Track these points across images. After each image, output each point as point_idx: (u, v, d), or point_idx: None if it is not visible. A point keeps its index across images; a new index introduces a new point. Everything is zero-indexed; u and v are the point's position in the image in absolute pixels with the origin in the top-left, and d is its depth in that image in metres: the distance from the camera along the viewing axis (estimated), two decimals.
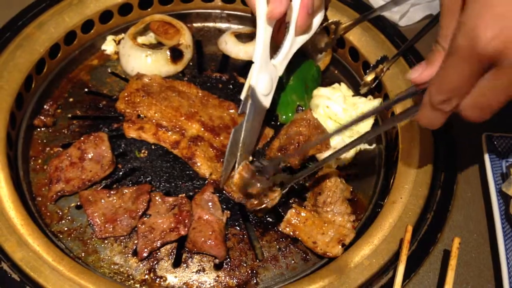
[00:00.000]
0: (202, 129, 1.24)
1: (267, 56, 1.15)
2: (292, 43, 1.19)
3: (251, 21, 1.54)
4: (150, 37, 1.49)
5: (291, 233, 1.10)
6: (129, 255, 1.08)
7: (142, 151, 1.24)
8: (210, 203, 1.14)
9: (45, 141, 1.25)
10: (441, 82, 0.82)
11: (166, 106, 1.26)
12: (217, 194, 1.16)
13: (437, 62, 0.88)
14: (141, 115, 1.26)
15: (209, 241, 1.05)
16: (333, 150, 1.11)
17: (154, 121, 1.25)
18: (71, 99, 1.34)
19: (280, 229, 1.11)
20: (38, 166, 1.21)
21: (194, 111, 1.27)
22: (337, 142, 1.22)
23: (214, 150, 1.21)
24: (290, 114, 1.29)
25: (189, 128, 1.24)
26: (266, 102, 1.17)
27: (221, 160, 1.19)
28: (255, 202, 1.11)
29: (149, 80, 1.32)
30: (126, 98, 1.28)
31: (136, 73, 1.34)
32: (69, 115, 1.31)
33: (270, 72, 1.16)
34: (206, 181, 1.19)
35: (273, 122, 1.32)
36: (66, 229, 1.11)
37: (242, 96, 1.14)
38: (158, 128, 1.24)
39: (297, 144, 1.16)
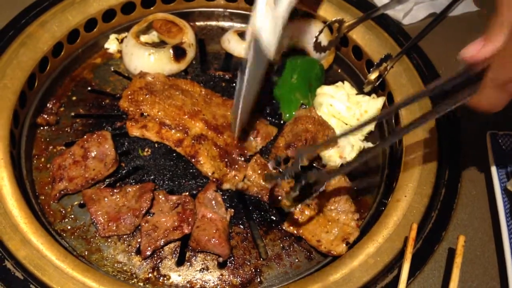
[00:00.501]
0: (206, 127, 1.24)
1: (272, 2, 1.05)
2: None
3: None
4: (153, 36, 1.49)
5: (295, 232, 1.10)
6: (132, 253, 1.08)
7: (146, 150, 1.24)
8: (213, 202, 1.14)
9: (48, 139, 1.25)
10: (507, 58, 0.74)
11: (169, 104, 1.26)
12: (220, 192, 1.16)
13: (498, 37, 0.77)
14: (144, 114, 1.26)
15: (213, 240, 1.05)
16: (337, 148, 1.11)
17: (157, 119, 1.25)
18: (74, 98, 1.34)
19: (284, 228, 1.11)
20: (41, 165, 1.20)
21: (198, 109, 1.26)
22: (344, 143, 1.22)
23: (217, 149, 1.21)
24: (293, 113, 1.28)
25: (193, 126, 1.24)
26: (270, 53, 1.07)
27: (224, 160, 1.19)
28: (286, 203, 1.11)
29: (152, 79, 1.32)
30: (130, 97, 1.28)
31: (139, 71, 1.34)
32: (72, 114, 1.31)
33: (274, 19, 1.06)
34: (209, 180, 1.19)
35: (276, 121, 1.31)
36: (69, 227, 1.11)
37: (247, 39, 1.06)
38: (162, 127, 1.24)
39: (304, 141, 1.16)
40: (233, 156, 1.21)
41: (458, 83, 0.85)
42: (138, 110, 1.27)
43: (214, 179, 1.17)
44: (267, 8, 1.04)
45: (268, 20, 1.05)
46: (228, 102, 1.31)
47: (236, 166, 1.19)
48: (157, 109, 1.26)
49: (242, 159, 1.21)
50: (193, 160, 1.20)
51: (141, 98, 1.27)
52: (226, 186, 1.17)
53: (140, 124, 1.25)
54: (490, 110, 0.83)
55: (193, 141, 1.21)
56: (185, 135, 1.22)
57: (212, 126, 1.24)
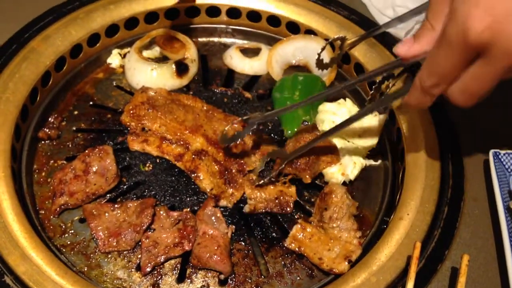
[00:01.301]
0: (206, 143, 1.23)
1: None
2: None
3: (256, 36, 1.55)
4: (155, 51, 1.49)
5: (297, 249, 1.09)
6: (132, 269, 1.07)
7: (147, 165, 1.24)
8: (213, 218, 1.13)
9: (49, 153, 1.25)
10: (432, 67, 0.86)
11: (171, 119, 1.26)
12: (221, 208, 1.15)
13: (425, 39, 0.91)
14: (146, 128, 1.26)
15: (215, 257, 1.04)
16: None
17: (158, 134, 1.25)
18: (76, 112, 1.34)
19: (285, 245, 1.10)
20: (42, 179, 1.20)
21: (199, 124, 1.26)
22: (346, 161, 1.21)
23: (217, 165, 1.20)
24: (295, 129, 1.28)
25: (193, 141, 1.23)
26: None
27: (224, 177, 1.19)
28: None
29: (154, 93, 1.32)
30: (131, 111, 1.28)
31: (142, 86, 1.34)
32: (74, 128, 1.31)
33: None
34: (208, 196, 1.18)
35: (278, 137, 1.31)
36: (69, 242, 1.10)
37: None
38: (162, 141, 1.23)
39: (308, 159, 1.16)
40: (233, 172, 1.21)
41: None
42: (139, 125, 1.26)
43: (212, 196, 1.17)
44: None
45: None
46: (230, 117, 1.31)
47: (235, 184, 1.19)
48: (159, 123, 1.26)
49: (242, 175, 1.21)
50: (192, 175, 1.19)
51: (143, 113, 1.27)
52: (223, 203, 1.17)
53: (141, 138, 1.24)
54: (418, 108, 1.02)
55: (193, 156, 1.20)
56: (186, 150, 1.22)
57: (213, 142, 1.24)
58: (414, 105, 0.96)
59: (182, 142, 1.23)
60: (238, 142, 1.21)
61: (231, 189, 1.18)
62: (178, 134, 1.24)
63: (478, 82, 0.83)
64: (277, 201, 1.16)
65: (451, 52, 0.81)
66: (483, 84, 0.83)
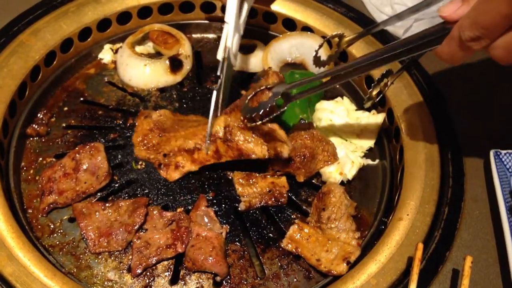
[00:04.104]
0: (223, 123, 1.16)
1: (237, 17, 1.13)
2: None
3: (252, 32, 1.51)
4: (148, 47, 1.46)
5: (294, 250, 1.06)
6: (124, 271, 1.03)
7: (140, 163, 1.20)
8: (206, 218, 1.10)
9: (37, 150, 1.21)
10: (476, 18, 0.78)
11: (185, 131, 1.19)
12: (213, 208, 1.12)
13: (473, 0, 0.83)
14: (167, 153, 1.19)
15: (210, 258, 1.00)
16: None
17: (181, 149, 1.17)
18: (66, 108, 1.30)
19: (282, 246, 1.07)
20: (29, 177, 1.16)
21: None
22: (341, 154, 1.19)
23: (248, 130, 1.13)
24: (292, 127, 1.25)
25: (215, 131, 1.14)
26: (234, 61, 1.18)
27: (263, 137, 1.12)
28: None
29: (160, 116, 1.24)
30: (144, 142, 1.21)
31: (140, 111, 1.27)
32: (64, 125, 1.27)
33: (238, 32, 1.16)
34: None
35: None
36: (57, 243, 1.06)
37: (220, 57, 1.11)
38: (191, 154, 1.16)
39: (303, 157, 1.13)
40: (261, 130, 1.14)
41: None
42: (158, 156, 1.19)
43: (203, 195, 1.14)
44: (236, 25, 1.12)
45: (236, 35, 1.14)
46: None
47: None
48: (176, 141, 1.18)
49: None
50: (244, 156, 1.11)
51: (156, 141, 1.20)
52: (284, 151, 1.11)
53: (173, 165, 1.17)
54: (449, 63, 0.91)
55: (225, 140, 1.12)
56: (214, 142, 1.14)
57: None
58: (445, 58, 0.88)
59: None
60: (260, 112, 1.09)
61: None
62: (199, 135, 1.17)
63: None
64: (270, 193, 1.14)
65: (502, 1, 0.74)
66: None
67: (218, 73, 1.10)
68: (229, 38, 1.11)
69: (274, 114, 1.05)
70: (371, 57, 0.98)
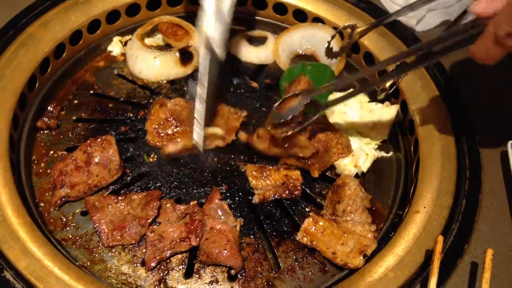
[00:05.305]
0: None
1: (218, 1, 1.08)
2: None
3: (262, 24, 1.50)
4: (157, 39, 1.44)
5: (309, 243, 1.05)
6: (138, 264, 1.02)
7: (151, 156, 1.19)
8: (219, 211, 1.09)
9: (48, 144, 1.20)
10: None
11: None
12: (227, 201, 1.11)
13: None
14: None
15: (225, 252, 0.99)
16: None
17: None
18: (75, 101, 1.29)
19: (297, 239, 1.06)
20: (41, 170, 1.15)
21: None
22: (355, 147, 1.17)
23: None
24: None
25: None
26: (221, 52, 1.11)
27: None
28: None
29: (175, 106, 1.22)
30: (159, 130, 1.20)
31: (155, 99, 1.25)
32: (74, 118, 1.25)
33: (222, 19, 1.09)
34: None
35: None
36: (70, 236, 1.05)
37: (200, 49, 1.08)
38: None
39: (316, 151, 1.12)
40: None
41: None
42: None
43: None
44: (215, 13, 1.07)
45: (217, 24, 1.08)
46: None
47: None
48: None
49: None
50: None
51: (171, 131, 1.20)
52: None
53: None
54: (484, 61, 0.87)
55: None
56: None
57: None
58: (480, 57, 0.86)
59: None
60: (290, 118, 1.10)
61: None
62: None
63: None
64: (284, 186, 1.13)
65: None
66: None
67: (199, 67, 1.08)
68: (210, 26, 1.07)
69: (305, 124, 1.08)
70: (398, 58, 0.98)
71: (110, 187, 1.13)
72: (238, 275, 1.02)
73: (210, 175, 1.17)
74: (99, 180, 1.11)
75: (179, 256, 1.04)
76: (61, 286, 0.89)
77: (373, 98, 1.31)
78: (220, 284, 1.01)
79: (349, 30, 1.33)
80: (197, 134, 1.11)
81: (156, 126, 1.20)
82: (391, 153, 1.24)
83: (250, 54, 1.41)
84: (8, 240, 0.93)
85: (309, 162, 1.14)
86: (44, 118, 1.22)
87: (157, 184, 1.14)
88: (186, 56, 1.35)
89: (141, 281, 1.00)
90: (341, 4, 1.43)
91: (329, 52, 1.33)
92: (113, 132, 1.22)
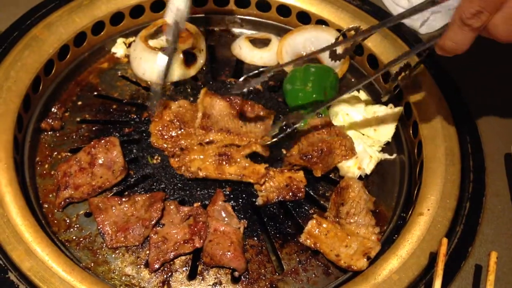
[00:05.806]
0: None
1: None
2: None
3: (265, 26, 1.50)
4: (161, 41, 1.44)
5: (312, 245, 1.05)
6: (141, 266, 1.02)
7: (155, 157, 1.19)
8: (223, 213, 1.09)
9: (52, 145, 1.20)
10: None
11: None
12: (230, 203, 1.11)
13: None
14: (183, 148, 1.18)
15: (228, 253, 0.99)
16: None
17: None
18: (79, 103, 1.29)
19: (300, 241, 1.06)
20: (45, 171, 1.15)
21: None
22: (358, 149, 1.17)
23: None
24: (308, 121, 1.24)
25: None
26: (183, 23, 1.20)
27: None
28: None
29: (179, 108, 1.23)
30: (163, 132, 1.20)
31: (159, 101, 1.24)
32: (78, 119, 1.26)
33: None
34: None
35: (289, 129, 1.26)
36: (74, 237, 1.05)
37: (169, 20, 1.15)
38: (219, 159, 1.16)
39: (320, 152, 1.12)
40: None
41: None
42: (177, 149, 1.18)
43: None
44: None
45: None
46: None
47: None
48: (195, 140, 1.19)
49: None
50: None
51: (175, 134, 1.19)
52: None
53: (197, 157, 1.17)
54: (454, 52, 0.89)
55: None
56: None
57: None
58: (449, 47, 0.88)
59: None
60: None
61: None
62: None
63: None
64: (288, 188, 1.13)
65: None
66: None
67: (168, 37, 1.16)
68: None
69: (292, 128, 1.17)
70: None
71: (114, 188, 1.13)
72: (242, 277, 1.02)
73: None
74: (103, 181, 1.11)
75: (183, 257, 1.04)
76: (65, 287, 0.89)
77: (377, 100, 1.32)
78: (224, 286, 1.01)
79: (353, 32, 1.33)
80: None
81: (160, 128, 1.19)
82: (394, 155, 1.24)
83: (253, 56, 1.41)
84: (12, 241, 0.94)
85: (312, 161, 1.14)
86: (48, 120, 1.22)
87: (161, 186, 1.14)
88: (189, 57, 1.35)
89: (145, 283, 1.00)
90: (344, 6, 1.42)
91: (333, 54, 1.33)
92: (117, 134, 1.22)
